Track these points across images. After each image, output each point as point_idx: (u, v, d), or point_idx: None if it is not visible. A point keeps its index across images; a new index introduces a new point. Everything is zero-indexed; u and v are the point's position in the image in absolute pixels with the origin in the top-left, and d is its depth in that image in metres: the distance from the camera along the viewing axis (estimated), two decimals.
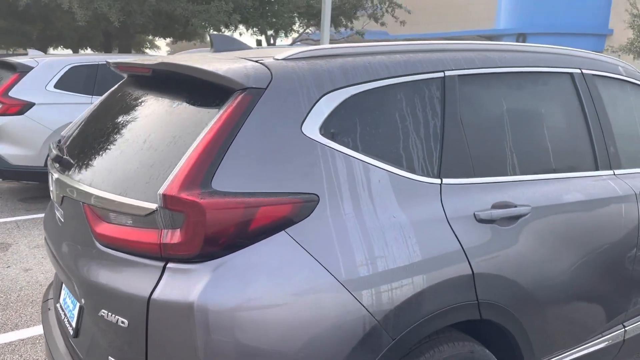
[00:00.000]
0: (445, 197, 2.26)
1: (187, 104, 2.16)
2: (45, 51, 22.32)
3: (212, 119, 1.96)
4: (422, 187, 2.23)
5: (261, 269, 1.84)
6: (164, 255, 1.84)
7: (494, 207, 2.36)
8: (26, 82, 7.56)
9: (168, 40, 23.36)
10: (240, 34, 16.55)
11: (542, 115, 2.72)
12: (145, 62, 2.41)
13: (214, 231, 1.80)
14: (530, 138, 2.64)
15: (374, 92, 2.22)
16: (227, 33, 14.58)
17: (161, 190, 1.81)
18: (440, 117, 2.35)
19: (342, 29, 17.16)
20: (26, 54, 10.12)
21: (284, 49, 2.28)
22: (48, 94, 7.64)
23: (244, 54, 2.37)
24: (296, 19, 16.77)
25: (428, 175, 2.26)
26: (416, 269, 2.10)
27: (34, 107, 7.49)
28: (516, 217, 2.41)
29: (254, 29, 14.96)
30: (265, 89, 2.01)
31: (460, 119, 2.39)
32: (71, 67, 7.82)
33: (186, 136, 1.98)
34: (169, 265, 1.84)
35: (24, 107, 7.43)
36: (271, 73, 2.06)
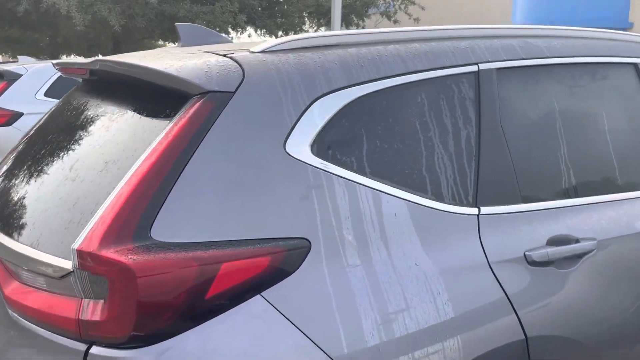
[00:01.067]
0: (485, 232, 1.67)
1: (131, 117, 1.60)
2: (57, 59, 21.98)
3: (157, 136, 1.39)
4: (454, 221, 1.64)
5: (226, 355, 1.27)
6: (85, 336, 1.27)
7: (551, 243, 1.76)
8: (14, 91, 7.05)
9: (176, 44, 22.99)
10: (249, 36, 16.01)
11: (605, 117, 2.12)
12: (83, 62, 1.85)
13: (151, 303, 1.23)
14: (591, 148, 2.04)
15: (386, 94, 1.64)
16: (233, 35, 14.04)
17: (76, 244, 1.24)
18: (474, 124, 1.76)
19: (354, 28, 16.56)
20: (17, 61, 9.66)
21: (266, 40, 1.69)
22: (38, 102, 7.12)
23: (213, 48, 1.80)
24: (306, 18, 16.22)
25: (461, 204, 1.68)
26: (449, 335, 1.52)
27: (22, 117, 6.98)
28: (579, 256, 1.81)
29: (262, 30, 14.42)
30: (234, 92, 1.44)
31: (501, 127, 1.80)
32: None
33: (123, 161, 1.41)
34: (93, 350, 1.27)
35: (11, 118, 6.93)
36: (243, 71, 1.49)
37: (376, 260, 1.48)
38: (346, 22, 15.93)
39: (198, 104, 1.40)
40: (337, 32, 1.80)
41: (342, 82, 1.58)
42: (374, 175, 1.56)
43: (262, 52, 1.59)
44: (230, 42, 2.19)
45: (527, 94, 1.94)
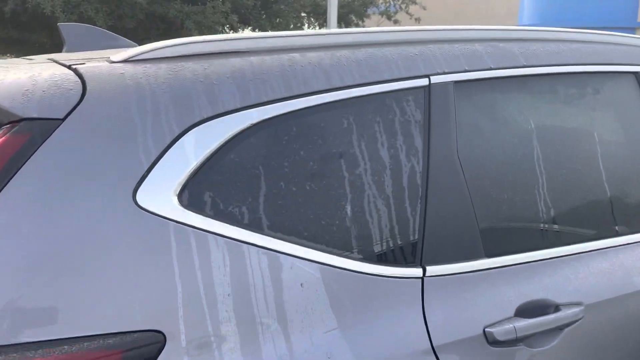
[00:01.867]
0: (430, 302, 1.25)
1: None
2: None
3: None
4: (388, 288, 1.23)
5: None
6: None
7: (521, 312, 1.34)
8: None
9: None
10: None
11: (597, 143, 1.69)
12: None
13: None
14: (579, 182, 1.61)
15: (297, 118, 1.23)
16: None
17: None
18: (421, 155, 1.34)
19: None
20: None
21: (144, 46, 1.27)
22: None
23: (66, 57, 1.38)
24: (305, 19, 15.81)
25: (399, 264, 1.26)
26: None
27: None
28: (560, 328, 1.38)
29: (257, 30, 14.01)
30: (63, 120, 1.03)
31: (458, 158, 1.38)
32: None
33: None
34: None
35: None
36: (84, 89, 1.08)
37: (269, 355, 1.07)
38: (345, 23, 15.52)
39: (4, 137, 0.98)
40: (240, 35, 1.39)
41: (232, 103, 1.16)
42: (273, 231, 1.14)
43: (125, 61, 1.18)
44: (133, 46, 1.77)
45: (495, 114, 1.52)
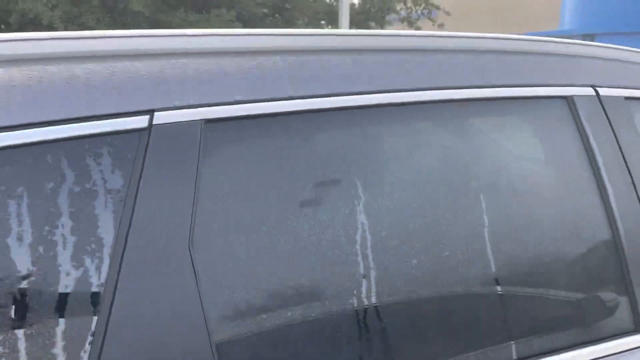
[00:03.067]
0: None
1: None
2: None
3: None
4: None
5: None
6: None
7: None
8: None
9: None
10: None
11: (482, 204, 1.15)
12: None
13: None
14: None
15: None
16: None
17: None
18: (115, 229, 0.82)
19: None
20: None
21: None
22: None
23: None
24: (322, 25, 15.36)
25: None
26: None
27: None
28: None
29: None
30: None
31: (191, 236, 0.86)
32: None
33: None
34: None
35: None
36: None
37: None
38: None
39: None
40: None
41: None
42: None
43: None
44: None
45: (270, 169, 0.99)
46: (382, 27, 15.88)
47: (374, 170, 1.05)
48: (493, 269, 1.16)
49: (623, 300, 1.28)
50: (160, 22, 11.24)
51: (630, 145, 1.40)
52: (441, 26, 15.79)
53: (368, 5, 14.08)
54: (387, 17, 15.32)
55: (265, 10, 13.16)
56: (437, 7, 16.06)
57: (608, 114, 1.40)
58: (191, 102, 0.90)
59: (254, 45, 1.01)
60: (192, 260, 0.83)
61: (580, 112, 1.35)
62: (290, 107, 0.99)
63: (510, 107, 1.31)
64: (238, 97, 0.95)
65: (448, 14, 16.21)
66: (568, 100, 1.35)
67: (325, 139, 1.02)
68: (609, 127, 1.39)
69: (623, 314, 1.28)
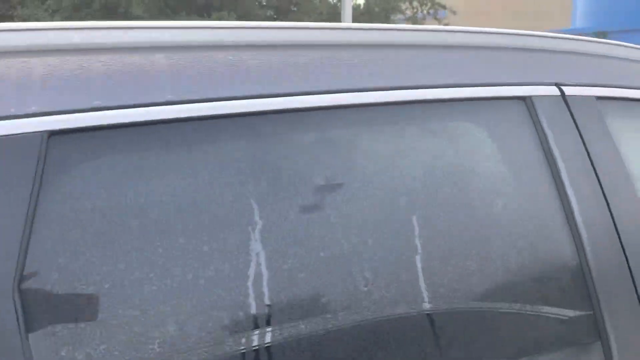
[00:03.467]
0: None
1: None
2: None
3: None
4: None
5: None
6: None
7: None
8: None
9: None
10: None
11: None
12: None
13: None
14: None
15: None
16: None
17: None
18: None
19: None
20: None
21: None
22: None
23: None
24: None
25: None
26: None
27: None
28: None
29: None
30: None
31: None
32: None
33: None
34: None
35: None
36: None
37: None
38: None
39: None
40: None
41: None
42: None
43: None
44: None
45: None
46: None
47: (270, 189, 0.88)
48: (434, 291, 0.99)
49: (585, 314, 1.11)
50: None
51: (601, 152, 1.23)
52: (447, 25, 15.59)
53: (374, 7, 13.89)
54: (392, 17, 15.12)
55: (271, 12, 13.04)
56: (444, 7, 15.84)
57: (575, 117, 1.22)
58: (34, 110, 0.74)
59: (124, 41, 0.85)
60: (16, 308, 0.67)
61: (541, 115, 1.18)
62: (169, 113, 0.83)
63: (454, 110, 1.13)
64: (97, 103, 0.79)
65: (454, 13, 15.99)
66: (526, 101, 1.18)
67: (214, 152, 0.86)
68: (576, 132, 1.22)
69: (583, 326, 1.12)
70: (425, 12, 15.42)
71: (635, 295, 1.17)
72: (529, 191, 1.16)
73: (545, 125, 1.17)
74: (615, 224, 1.18)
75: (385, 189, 0.96)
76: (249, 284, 0.80)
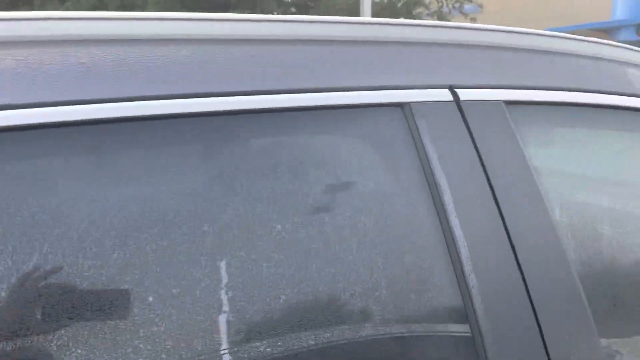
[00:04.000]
0: None
1: None
2: None
3: None
4: None
5: None
6: None
7: None
8: None
9: None
10: None
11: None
12: None
13: None
14: None
15: None
16: None
17: None
18: None
19: None
20: None
21: None
22: None
23: None
24: None
25: None
26: None
27: None
28: None
29: None
30: None
31: None
32: None
33: None
34: None
35: None
36: None
37: None
38: None
39: None
40: None
41: None
42: None
43: None
44: None
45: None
46: None
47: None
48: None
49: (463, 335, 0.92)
50: None
51: (505, 169, 1.02)
52: (474, 20, 15.20)
53: (396, 1, 13.61)
54: (415, 12, 14.80)
55: (293, 10, 12.92)
56: (470, 0, 15.48)
57: (470, 127, 1.02)
58: None
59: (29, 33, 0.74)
60: None
61: (420, 126, 0.98)
62: (78, 114, 0.72)
63: (315, 119, 0.95)
64: (3, 101, 0.67)
65: (481, 6, 15.59)
66: (404, 108, 0.98)
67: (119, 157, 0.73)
68: (472, 146, 1.01)
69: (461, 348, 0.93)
70: (451, 6, 15.07)
71: (528, 301, 0.95)
72: (399, 222, 0.95)
73: (425, 138, 0.97)
74: (514, 251, 0.97)
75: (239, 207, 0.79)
76: None
